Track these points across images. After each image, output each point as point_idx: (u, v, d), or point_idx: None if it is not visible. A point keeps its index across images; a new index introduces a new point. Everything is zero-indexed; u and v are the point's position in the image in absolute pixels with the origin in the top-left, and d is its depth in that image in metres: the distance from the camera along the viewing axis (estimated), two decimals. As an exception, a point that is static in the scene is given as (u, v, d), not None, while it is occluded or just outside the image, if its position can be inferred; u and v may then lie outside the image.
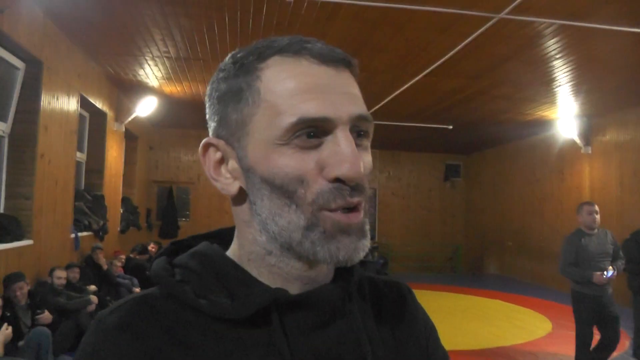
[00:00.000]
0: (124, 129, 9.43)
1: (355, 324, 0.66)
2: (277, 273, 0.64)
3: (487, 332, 7.14)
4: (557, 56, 6.53)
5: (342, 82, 0.62)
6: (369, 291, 0.74)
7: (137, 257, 8.93)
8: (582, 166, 10.49)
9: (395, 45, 6.28)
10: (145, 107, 9.06)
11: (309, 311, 0.63)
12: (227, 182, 0.65)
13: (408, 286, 0.82)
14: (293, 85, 0.59)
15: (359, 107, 0.61)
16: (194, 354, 0.58)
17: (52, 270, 5.54)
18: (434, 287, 10.84)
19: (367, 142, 0.64)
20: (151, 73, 7.90)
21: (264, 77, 0.61)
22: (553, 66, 6.93)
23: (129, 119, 9.26)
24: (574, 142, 10.28)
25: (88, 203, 7.82)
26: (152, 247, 9.35)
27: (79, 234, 7.14)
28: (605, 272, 4.60)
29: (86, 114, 8.20)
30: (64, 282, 5.54)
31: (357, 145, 0.60)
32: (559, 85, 7.84)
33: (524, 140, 12.50)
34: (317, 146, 0.59)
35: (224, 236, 0.73)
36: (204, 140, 0.67)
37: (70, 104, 6.70)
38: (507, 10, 5.05)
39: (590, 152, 10.16)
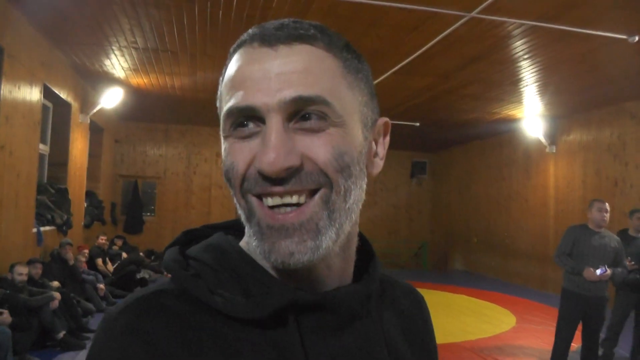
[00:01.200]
0: (89, 121, 9.19)
1: (374, 329, 0.63)
2: (276, 268, 0.60)
3: (454, 326, 7.25)
4: (525, 57, 6.65)
5: (280, 62, 0.56)
6: (388, 294, 0.72)
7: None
8: (547, 165, 10.75)
9: (366, 42, 6.29)
10: (111, 99, 8.85)
11: (326, 313, 0.59)
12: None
13: (421, 294, 0.80)
14: (230, 76, 0.59)
15: (299, 88, 0.55)
16: (206, 357, 0.54)
17: (12, 266, 5.35)
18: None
19: (323, 124, 0.56)
20: (118, 64, 7.71)
21: (225, 71, 0.61)
22: (521, 66, 7.06)
23: (94, 110, 9.03)
24: (539, 142, 10.52)
25: (51, 197, 7.60)
26: (101, 239, 9.13)
27: (42, 229, 6.93)
28: (597, 269, 4.47)
29: (50, 105, 7.95)
30: (25, 278, 5.36)
31: (303, 129, 0.56)
32: (526, 86, 8.00)
33: (490, 139, 12.73)
34: (253, 135, 0.57)
35: (240, 226, 0.67)
36: None
37: (32, 93, 6.48)
38: (478, 9, 5.11)
39: (555, 151, 10.42)
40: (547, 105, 9.20)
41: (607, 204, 4.78)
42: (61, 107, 8.14)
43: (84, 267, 7.57)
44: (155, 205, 13.19)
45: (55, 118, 8.17)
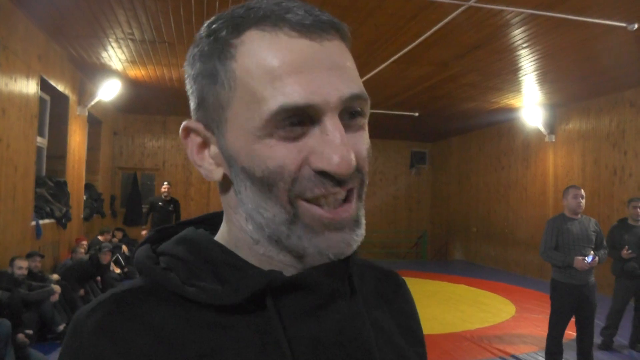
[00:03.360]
0: (87, 114, 9.16)
1: (357, 308, 0.62)
2: (267, 261, 0.59)
3: (453, 316, 7.28)
4: (524, 45, 6.62)
5: (330, 55, 0.54)
6: (369, 277, 0.71)
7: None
8: (546, 154, 10.74)
9: (364, 31, 6.25)
10: (109, 91, 8.81)
11: (305, 293, 0.57)
12: (211, 168, 0.60)
13: (402, 277, 0.79)
14: (272, 67, 0.52)
15: (351, 84, 0.54)
16: (184, 351, 0.53)
17: (12, 260, 5.35)
18: (400, 272, 10.82)
19: (363, 121, 0.57)
20: (115, 56, 7.67)
21: (239, 56, 0.54)
22: (519, 55, 7.03)
23: (92, 103, 8.99)
24: (538, 131, 10.50)
25: (50, 190, 7.59)
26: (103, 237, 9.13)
27: (41, 222, 6.93)
28: (586, 258, 4.40)
29: (47, 98, 7.92)
30: (25, 272, 5.36)
31: (350, 126, 0.55)
32: (525, 74, 7.96)
33: (489, 128, 12.70)
34: (302, 135, 0.53)
35: (211, 221, 0.67)
36: (183, 123, 0.60)
37: (29, 86, 6.45)
38: (476, -2, 5.08)
39: (554, 140, 10.40)
40: (546, 94, 9.17)
41: (582, 190, 4.70)
42: (59, 100, 8.11)
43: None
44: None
45: (53, 111, 8.15)
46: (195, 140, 0.60)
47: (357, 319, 0.61)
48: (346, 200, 0.56)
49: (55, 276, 6.13)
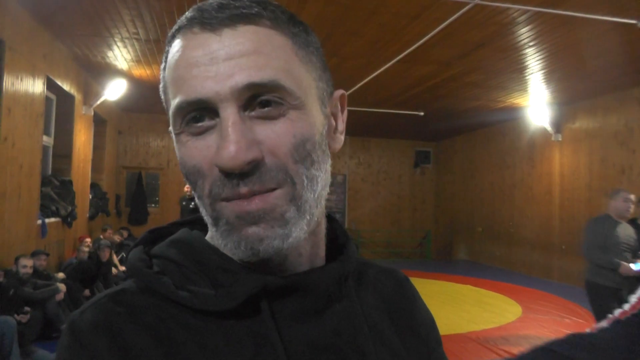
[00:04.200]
0: (92, 113, 9.17)
1: (354, 310, 0.61)
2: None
3: (458, 317, 7.24)
4: (530, 44, 6.57)
5: (228, 46, 0.51)
6: (368, 277, 0.70)
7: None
8: (552, 153, 10.67)
9: (368, 30, 6.23)
10: (114, 91, 8.82)
11: (301, 297, 0.57)
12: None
13: (404, 274, 0.77)
14: (175, 66, 0.53)
15: (251, 72, 0.51)
16: (178, 352, 0.52)
17: (17, 259, 5.36)
18: (405, 272, 10.91)
19: (282, 111, 0.53)
20: (120, 55, 7.68)
21: (168, 61, 0.56)
22: (526, 54, 6.98)
23: (98, 102, 9.01)
24: (544, 130, 10.44)
25: (56, 188, 7.60)
26: (109, 233, 9.14)
27: (46, 221, 6.94)
28: (633, 265, 4.26)
29: (53, 97, 7.94)
30: (30, 270, 5.37)
31: (262, 117, 0.52)
32: (531, 73, 7.91)
33: (494, 127, 12.65)
34: (209, 129, 0.52)
35: (203, 222, 0.65)
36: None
37: (35, 85, 6.46)
38: (482, -4, 5.05)
39: (560, 139, 10.34)
40: (552, 92, 9.11)
41: (633, 195, 4.61)
42: (64, 99, 8.13)
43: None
44: (159, 196, 13.21)
45: (59, 110, 8.16)
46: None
47: (353, 322, 0.60)
48: (257, 194, 0.52)
49: (61, 275, 6.14)
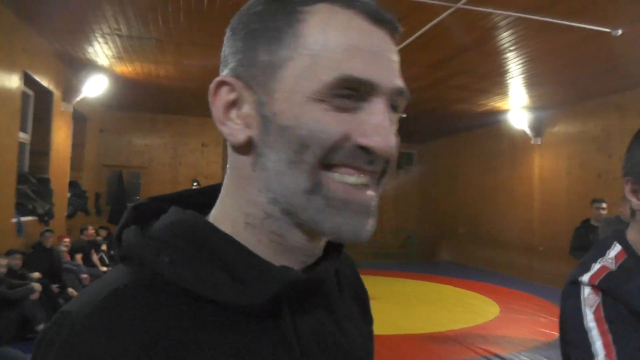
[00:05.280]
0: (72, 110, 9.04)
1: (344, 304, 0.64)
2: (278, 242, 0.57)
3: (439, 316, 7.30)
4: (512, 48, 6.65)
5: (390, 48, 0.57)
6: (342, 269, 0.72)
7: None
8: (532, 157, 10.81)
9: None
10: (95, 87, 8.71)
11: (313, 292, 0.59)
12: (236, 127, 0.57)
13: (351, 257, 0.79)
14: (341, 39, 0.54)
15: (400, 80, 0.58)
16: (196, 352, 0.50)
17: (-8, 257, 5.27)
18: (388, 273, 10.99)
19: (397, 118, 0.61)
20: (101, 51, 7.59)
21: (308, 23, 0.54)
22: (507, 58, 7.06)
23: (78, 99, 8.89)
24: (525, 133, 10.57)
25: (33, 186, 7.48)
26: (91, 230, 9.01)
27: (23, 219, 6.83)
28: None
29: (31, 93, 7.81)
30: (4, 270, 5.28)
31: (389, 119, 0.57)
32: (512, 77, 8.01)
33: (477, 131, 12.76)
34: (351, 110, 0.54)
35: (189, 200, 0.63)
36: (217, 78, 0.58)
37: (12, 80, 6.35)
38: (464, 0, 5.08)
39: (540, 143, 10.48)
40: (532, 97, 9.23)
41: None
42: (43, 95, 8.00)
43: (66, 257, 7.49)
44: (141, 196, 13.06)
45: (37, 106, 8.03)
46: (226, 96, 0.57)
47: (345, 315, 0.64)
48: (368, 185, 0.56)
49: (37, 274, 6.05)
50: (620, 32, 5.63)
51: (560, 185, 9.88)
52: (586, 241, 5.78)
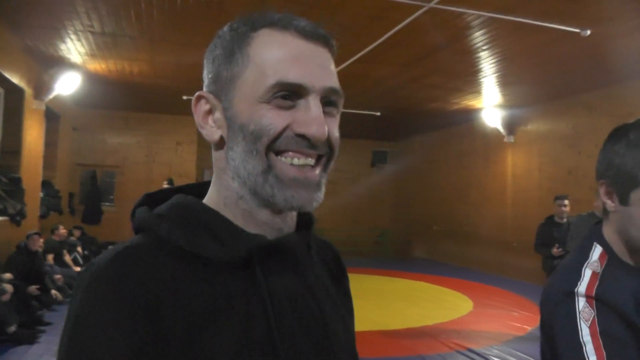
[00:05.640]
0: (44, 108, 8.89)
1: (314, 271, 0.79)
2: (250, 217, 0.74)
3: (413, 312, 7.39)
4: (484, 48, 6.77)
5: (320, 57, 0.73)
6: (315, 245, 0.85)
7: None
8: (505, 154, 11.02)
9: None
10: (68, 85, 8.58)
11: (282, 256, 0.73)
12: (212, 130, 0.75)
13: (337, 248, 0.97)
14: (278, 53, 0.70)
15: (331, 80, 0.73)
16: (189, 299, 0.65)
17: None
18: (362, 270, 11.02)
19: (336, 111, 0.75)
20: (74, 48, 7.48)
21: (254, 44, 0.72)
22: (480, 57, 7.19)
23: (50, 96, 8.73)
24: (497, 131, 10.76)
25: (4, 186, 7.34)
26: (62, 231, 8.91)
27: (-7, 218, 6.70)
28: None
29: (1, 90, 7.66)
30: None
31: (325, 113, 0.72)
32: (485, 76, 8.14)
33: (450, 129, 12.93)
34: (290, 107, 0.70)
35: (192, 191, 0.80)
36: (197, 93, 0.76)
37: (-18, 78, 6.23)
38: (437, 0, 5.16)
39: (512, 141, 10.68)
40: (505, 96, 9.40)
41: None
42: (13, 93, 7.84)
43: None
44: (115, 195, 12.91)
45: (8, 104, 7.88)
46: (203, 107, 0.76)
47: (315, 281, 0.78)
48: (314, 166, 0.72)
49: (8, 275, 5.94)
50: (588, 32, 5.78)
51: (532, 182, 10.09)
52: (550, 238, 5.92)
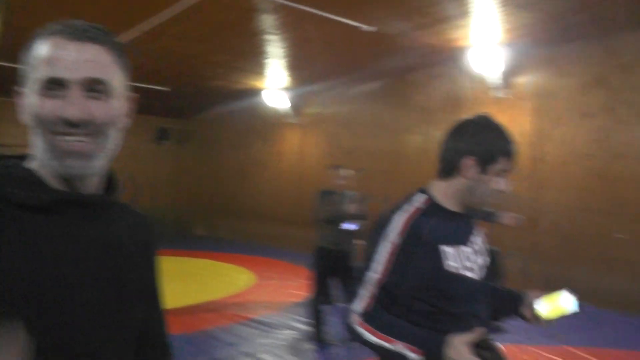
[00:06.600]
0: None
1: (115, 226, 0.98)
2: (54, 180, 0.90)
3: (195, 288, 7.39)
4: (270, 31, 7.03)
5: (83, 53, 0.87)
6: (128, 213, 1.07)
7: None
8: (286, 134, 11.69)
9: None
10: None
11: (83, 207, 0.92)
12: (23, 115, 0.91)
13: (153, 223, 1.16)
14: (45, 54, 0.87)
15: (92, 72, 0.88)
16: (5, 236, 0.82)
17: None
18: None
19: (103, 96, 0.89)
20: None
21: (33, 49, 0.89)
22: (265, 40, 7.44)
23: None
24: (280, 112, 11.33)
25: None
26: None
27: None
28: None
29: None
30: None
31: (91, 97, 0.88)
32: (270, 59, 8.47)
33: (236, 108, 13.12)
34: (58, 97, 0.86)
35: (22, 157, 0.96)
36: (15, 88, 0.93)
37: None
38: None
39: (295, 121, 11.39)
40: (289, 78, 9.92)
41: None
42: None
43: None
44: None
45: None
46: (20, 98, 0.92)
47: (113, 233, 0.97)
48: (83, 141, 0.88)
49: None
50: (365, 27, 6.44)
51: (312, 160, 10.90)
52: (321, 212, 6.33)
